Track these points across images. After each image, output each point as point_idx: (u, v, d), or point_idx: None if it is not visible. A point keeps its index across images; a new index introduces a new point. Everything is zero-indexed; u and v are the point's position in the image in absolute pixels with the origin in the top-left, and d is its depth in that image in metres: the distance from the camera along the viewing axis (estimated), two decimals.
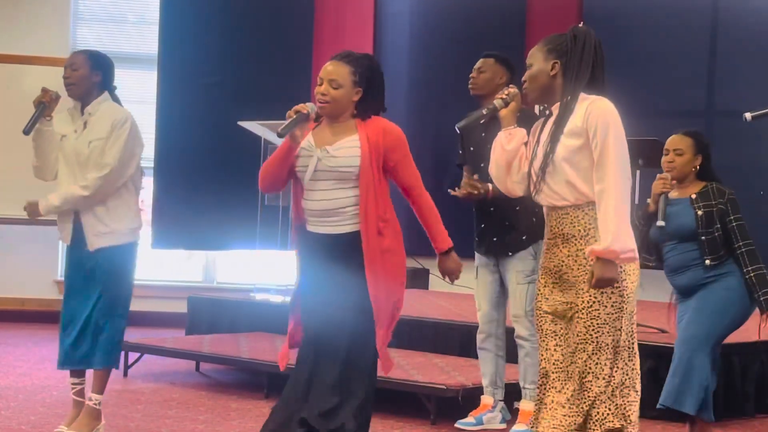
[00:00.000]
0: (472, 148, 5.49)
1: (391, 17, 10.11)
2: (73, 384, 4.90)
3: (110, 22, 10.34)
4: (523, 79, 3.66)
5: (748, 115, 4.13)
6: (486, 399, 5.49)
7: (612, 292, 3.48)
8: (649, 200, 4.78)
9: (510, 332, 5.46)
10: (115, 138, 4.71)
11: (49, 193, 4.81)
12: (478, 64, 5.49)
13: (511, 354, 5.55)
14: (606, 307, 3.49)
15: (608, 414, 3.49)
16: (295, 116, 3.85)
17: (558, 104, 3.60)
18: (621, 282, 3.50)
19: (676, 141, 4.85)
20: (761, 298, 4.65)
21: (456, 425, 5.48)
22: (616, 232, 3.39)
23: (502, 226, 5.35)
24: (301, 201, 3.96)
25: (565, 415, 3.50)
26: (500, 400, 5.51)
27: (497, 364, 5.48)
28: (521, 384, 5.37)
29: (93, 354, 4.78)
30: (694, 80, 8.79)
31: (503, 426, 5.48)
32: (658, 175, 4.79)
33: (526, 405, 5.32)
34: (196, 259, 10.42)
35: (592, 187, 3.49)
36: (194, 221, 9.54)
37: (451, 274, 4.03)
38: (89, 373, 4.91)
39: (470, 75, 5.46)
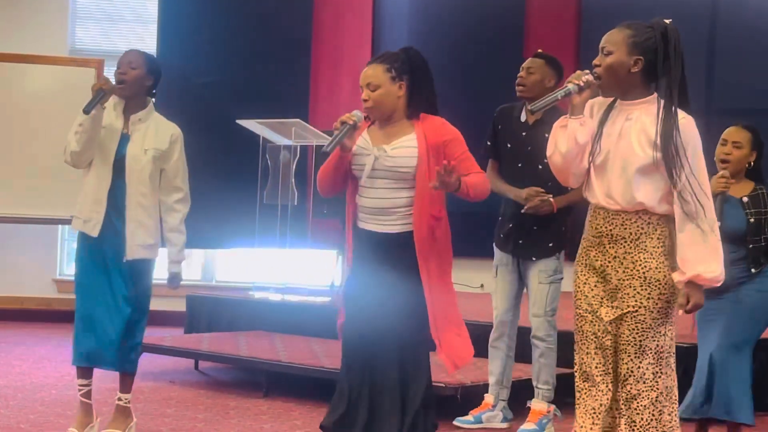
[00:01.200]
0: (509, 145, 5.33)
1: (390, 16, 10.11)
2: (81, 386, 4.86)
3: (108, 20, 10.34)
4: (597, 63, 3.47)
5: None
6: (488, 398, 5.48)
7: (659, 299, 3.44)
8: None
9: (523, 332, 5.45)
10: (178, 158, 4.81)
11: (173, 264, 4.92)
12: (527, 64, 5.27)
13: (518, 353, 5.52)
14: (652, 312, 3.44)
15: (652, 420, 3.45)
16: (341, 127, 3.77)
17: (636, 104, 3.46)
18: (668, 289, 3.46)
19: (734, 133, 4.71)
20: None
21: (454, 422, 5.48)
22: (719, 261, 3.39)
23: (531, 231, 5.25)
24: (355, 198, 3.92)
25: (613, 417, 3.47)
26: (503, 400, 5.49)
27: (506, 364, 5.45)
28: (534, 383, 5.35)
29: (124, 357, 4.80)
30: (692, 79, 8.71)
31: (504, 425, 5.48)
32: (719, 173, 4.61)
33: (537, 404, 5.31)
34: (195, 258, 10.41)
35: (651, 199, 3.42)
36: (193, 219, 9.41)
37: (443, 183, 3.72)
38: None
39: (518, 74, 5.26)
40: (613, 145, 3.46)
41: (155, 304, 10.14)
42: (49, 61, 9.25)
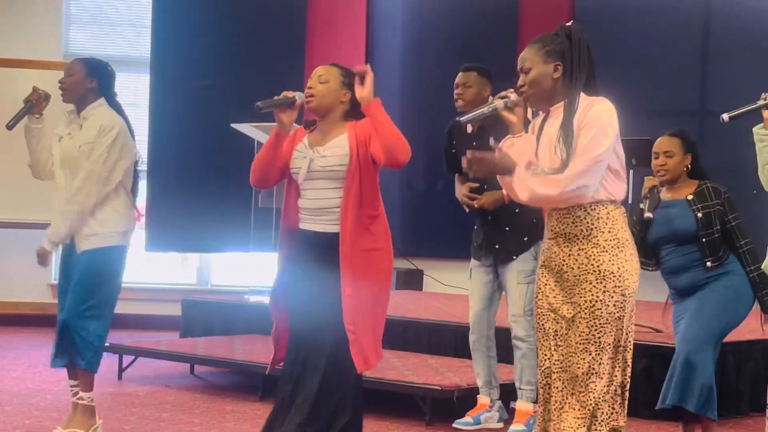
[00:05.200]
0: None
1: (383, 18, 10.12)
2: (71, 386, 4.89)
3: (103, 25, 10.33)
4: (521, 83, 3.57)
5: (725, 116, 4.13)
6: (482, 399, 5.50)
7: (614, 291, 3.47)
8: (641, 205, 4.76)
9: (504, 333, 5.47)
10: (99, 144, 4.72)
11: (49, 229, 4.83)
12: (461, 79, 5.43)
13: (506, 354, 5.55)
14: (608, 306, 3.47)
15: (612, 413, 3.50)
16: (279, 97, 3.91)
17: (557, 106, 3.55)
18: (623, 281, 3.49)
19: (664, 143, 4.82)
20: (764, 298, 4.71)
21: (454, 425, 5.49)
22: (537, 187, 3.47)
23: (503, 232, 5.34)
24: (292, 202, 4.04)
25: (575, 418, 3.49)
26: (497, 400, 5.52)
27: (489, 364, 5.49)
28: (517, 385, 5.38)
29: (74, 354, 4.77)
30: (686, 80, 8.80)
31: (501, 425, 5.49)
32: (647, 178, 4.75)
33: (522, 405, 5.33)
34: (191, 262, 10.41)
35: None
36: (188, 224, 9.53)
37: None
38: None
39: (455, 91, 5.41)
40: (546, 149, 3.55)
41: (151, 309, 10.14)
42: (43, 65, 9.23)
